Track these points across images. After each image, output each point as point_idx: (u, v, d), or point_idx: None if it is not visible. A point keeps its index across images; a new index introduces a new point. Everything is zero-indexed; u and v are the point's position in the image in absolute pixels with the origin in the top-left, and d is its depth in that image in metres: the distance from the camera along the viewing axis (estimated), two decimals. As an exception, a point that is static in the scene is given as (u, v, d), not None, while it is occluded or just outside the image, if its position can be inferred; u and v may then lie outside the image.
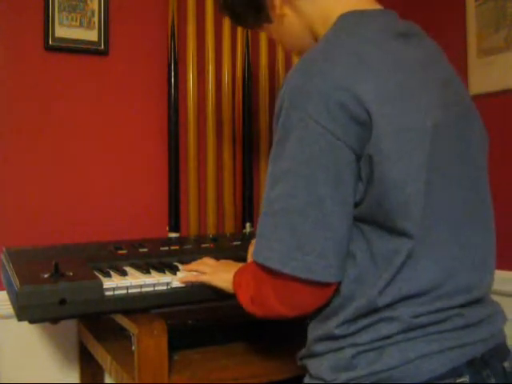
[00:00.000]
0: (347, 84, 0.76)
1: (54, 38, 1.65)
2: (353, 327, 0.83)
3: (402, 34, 0.86)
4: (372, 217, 0.81)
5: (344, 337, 0.83)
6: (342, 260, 0.81)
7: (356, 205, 0.81)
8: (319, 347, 0.87)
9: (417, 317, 0.81)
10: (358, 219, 0.82)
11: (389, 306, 0.81)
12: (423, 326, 0.81)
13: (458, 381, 0.80)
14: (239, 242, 1.54)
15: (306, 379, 0.91)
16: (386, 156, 0.76)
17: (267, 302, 0.86)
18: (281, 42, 1.06)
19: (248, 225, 1.83)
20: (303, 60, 0.81)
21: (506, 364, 0.86)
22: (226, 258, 1.28)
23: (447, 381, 0.79)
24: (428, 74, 0.85)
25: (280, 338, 1.36)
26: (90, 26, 1.69)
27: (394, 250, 0.80)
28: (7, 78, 1.62)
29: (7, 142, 1.62)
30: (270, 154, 0.85)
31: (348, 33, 0.83)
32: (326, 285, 0.81)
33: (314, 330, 0.89)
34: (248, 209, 1.84)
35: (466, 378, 0.80)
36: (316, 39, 0.96)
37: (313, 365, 0.89)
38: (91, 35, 1.70)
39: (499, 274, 1.03)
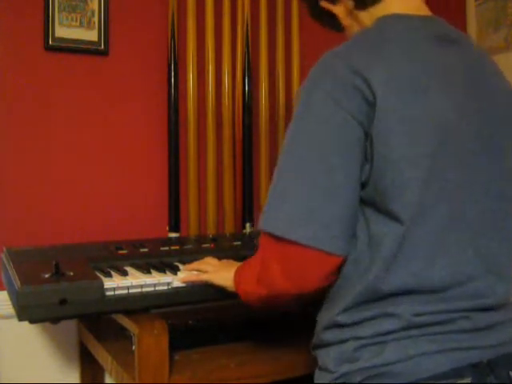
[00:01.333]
0: (361, 69, 0.82)
1: (54, 38, 1.65)
2: (355, 317, 0.84)
3: (439, 37, 0.91)
4: (371, 198, 0.83)
5: (348, 326, 0.85)
6: (348, 234, 0.83)
7: (362, 186, 0.83)
8: (327, 335, 0.89)
9: (418, 315, 0.82)
10: (362, 201, 0.84)
11: (389, 296, 0.82)
12: (425, 325, 0.82)
13: (458, 382, 0.80)
14: (239, 242, 1.54)
15: (316, 372, 0.93)
16: (385, 138, 0.80)
17: (270, 274, 0.86)
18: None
19: (248, 225, 1.83)
20: (326, 53, 0.89)
21: None
22: (226, 257, 1.28)
23: (448, 381, 0.80)
24: (454, 80, 0.87)
25: (281, 338, 1.36)
26: (90, 26, 1.69)
27: (384, 233, 0.82)
28: (7, 78, 1.62)
29: (7, 141, 1.62)
30: (288, 127, 0.88)
31: (374, 30, 0.91)
32: (331, 257, 0.82)
33: (322, 318, 0.92)
34: (248, 209, 1.84)
35: (467, 380, 0.80)
36: None
37: (321, 355, 0.91)
38: (91, 35, 1.70)
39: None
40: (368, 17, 0.98)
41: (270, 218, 0.84)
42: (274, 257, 0.85)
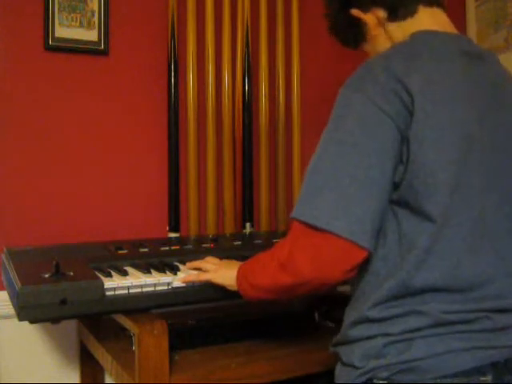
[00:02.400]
0: (400, 76, 0.86)
1: (53, 38, 1.65)
2: (384, 312, 0.88)
3: (466, 53, 0.95)
4: (404, 198, 0.87)
5: (377, 321, 0.88)
6: (377, 230, 0.86)
7: (395, 186, 0.87)
8: (353, 332, 0.92)
9: (446, 313, 0.86)
10: (393, 201, 0.88)
11: (419, 293, 0.86)
12: (451, 324, 0.86)
13: (481, 379, 0.85)
14: (239, 242, 1.54)
15: (338, 367, 0.96)
16: (420, 142, 0.85)
17: (297, 262, 0.88)
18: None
19: (248, 225, 1.83)
20: (370, 59, 0.94)
21: None
22: (226, 258, 1.28)
23: (472, 378, 0.84)
24: (478, 93, 0.92)
25: (281, 338, 1.36)
26: (90, 26, 1.69)
27: (418, 232, 0.86)
28: (7, 78, 1.62)
29: (7, 141, 1.62)
30: (327, 125, 0.91)
31: (411, 42, 0.96)
32: (361, 250, 0.84)
33: (349, 315, 0.94)
34: (248, 209, 1.84)
35: (488, 378, 0.85)
36: None
37: (345, 351, 0.93)
38: (91, 35, 1.70)
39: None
40: (398, 30, 1.02)
41: (305, 208, 0.86)
42: (306, 246, 0.87)
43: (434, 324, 0.86)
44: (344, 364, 0.93)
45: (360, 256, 0.85)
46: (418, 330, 0.86)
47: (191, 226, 1.77)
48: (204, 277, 1.15)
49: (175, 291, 1.15)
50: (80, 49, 1.68)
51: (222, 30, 1.80)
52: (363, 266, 0.89)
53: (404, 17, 1.01)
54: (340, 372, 0.94)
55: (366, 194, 0.84)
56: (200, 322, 1.46)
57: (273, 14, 1.88)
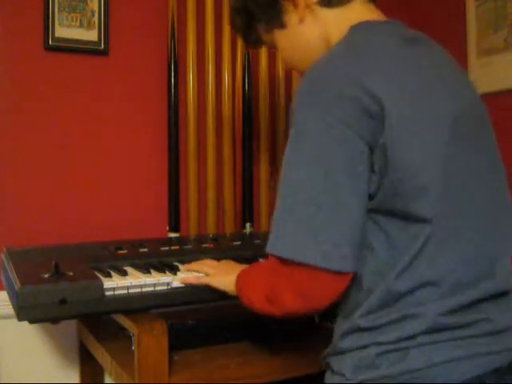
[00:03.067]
0: (359, 79, 0.79)
1: (54, 38, 1.65)
2: (378, 321, 0.82)
3: (410, 39, 0.89)
4: (388, 206, 0.81)
5: (369, 330, 0.83)
6: (357, 250, 0.81)
7: (370, 197, 0.82)
8: (345, 343, 0.86)
9: (442, 315, 0.80)
10: (374, 211, 0.82)
11: (412, 295, 0.81)
12: (449, 329, 0.81)
13: None
14: (239, 242, 1.54)
15: (328, 376, 0.91)
16: (399, 144, 0.79)
17: (282, 297, 0.85)
18: (287, 53, 1.02)
19: (248, 225, 1.83)
20: (319, 60, 0.84)
21: None
22: (226, 258, 1.28)
23: None
24: (439, 75, 0.88)
25: (281, 338, 1.36)
26: (90, 26, 1.69)
27: (413, 236, 0.81)
28: (7, 78, 1.62)
29: (7, 141, 1.62)
30: (285, 149, 0.85)
31: (360, 38, 0.87)
32: (342, 275, 0.81)
33: (340, 326, 0.89)
34: (248, 209, 1.84)
35: None
36: None
37: (336, 361, 0.89)
38: (91, 35, 1.70)
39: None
40: (332, 17, 0.93)
41: (277, 241, 0.82)
42: (284, 280, 0.84)
43: (431, 329, 0.80)
44: (334, 372, 0.88)
45: (344, 280, 0.82)
46: (413, 337, 0.80)
47: (191, 226, 1.77)
48: (203, 281, 1.14)
49: (175, 291, 1.15)
50: (80, 49, 1.68)
51: (222, 29, 1.80)
52: (353, 280, 0.84)
53: (339, 3, 0.91)
54: (329, 380, 0.90)
55: (338, 218, 0.78)
56: (200, 322, 1.46)
57: (273, 14, 1.88)
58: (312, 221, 0.79)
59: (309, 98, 0.81)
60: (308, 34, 0.96)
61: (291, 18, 0.95)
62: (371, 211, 0.82)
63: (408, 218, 0.81)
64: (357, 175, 0.79)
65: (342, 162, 0.78)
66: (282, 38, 0.99)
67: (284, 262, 0.82)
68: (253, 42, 1.08)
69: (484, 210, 0.87)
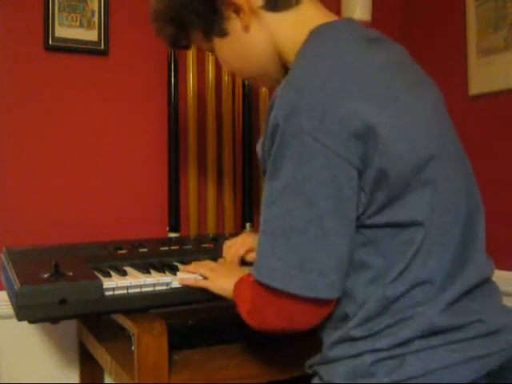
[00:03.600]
0: (342, 98, 0.75)
1: (54, 38, 1.65)
2: (374, 328, 0.81)
3: (372, 39, 0.86)
4: (377, 219, 0.80)
5: (363, 339, 0.81)
6: (343, 276, 0.81)
7: (358, 216, 0.80)
8: (336, 351, 0.84)
9: (438, 313, 0.79)
10: (361, 227, 0.81)
11: (406, 294, 0.80)
12: (443, 332, 0.80)
13: None
14: (239, 242, 1.54)
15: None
16: (397, 159, 0.77)
17: (267, 319, 0.86)
18: (231, 61, 0.96)
19: (248, 225, 1.83)
20: (291, 77, 0.79)
21: None
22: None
23: None
24: (405, 74, 0.87)
25: (280, 338, 1.36)
26: (90, 26, 1.69)
27: (405, 241, 0.80)
28: (7, 78, 1.62)
29: (7, 141, 1.62)
30: (267, 173, 0.82)
31: (328, 45, 0.82)
32: (327, 301, 0.81)
33: (330, 336, 0.87)
34: (248, 209, 1.84)
35: None
36: (284, 61, 0.93)
37: (325, 370, 0.86)
38: (91, 35, 1.70)
39: (499, 274, 1.03)
40: (280, 21, 0.88)
41: (262, 268, 0.81)
42: (268, 304, 0.84)
43: (427, 332, 0.79)
44: (324, 381, 0.86)
45: (329, 306, 0.82)
46: (409, 342, 0.78)
47: (191, 226, 1.77)
48: (202, 284, 1.14)
49: (174, 291, 1.15)
50: (80, 49, 1.68)
51: (221, 30, 1.80)
52: (343, 294, 0.83)
53: (286, 6, 0.86)
54: None
55: (323, 247, 0.77)
56: (199, 322, 1.46)
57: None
58: (296, 250, 0.77)
59: (287, 121, 0.76)
60: (255, 40, 0.90)
61: (234, 25, 0.89)
62: (359, 227, 0.81)
63: (399, 224, 0.80)
64: (343, 200, 0.77)
65: (326, 189, 0.76)
66: (224, 46, 0.93)
67: (269, 288, 0.81)
68: (182, 47, 1.02)
69: (463, 205, 0.87)
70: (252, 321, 0.90)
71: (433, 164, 0.81)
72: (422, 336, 0.79)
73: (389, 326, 0.80)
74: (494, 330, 0.83)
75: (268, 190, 0.81)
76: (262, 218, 0.82)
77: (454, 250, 0.84)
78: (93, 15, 1.69)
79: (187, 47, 1.02)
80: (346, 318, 0.85)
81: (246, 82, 1.83)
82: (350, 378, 0.81)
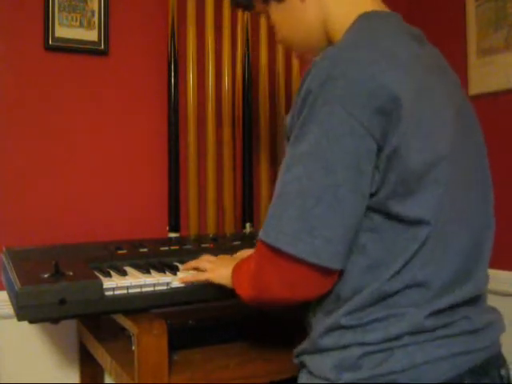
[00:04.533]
0: (377, 73, 0.76)
1: (54, 38, 1.65)
2: (363, 319, 0.81)
3: (417, 37, 0.89)
4: (386, 207, 0.80)
5: (352, 328, 0.82)
6: (349, 248, 0.81)
7: (371, 195, 0.81)
8: (325, 341, 0.85)
9: (426, 317, 0.80)
10: (371, 210, 0.81)
11: (399, 296, 0.81)
12: (432, 330, 0.81)
13: None
14: (239, 242, 1.54)
15: (303, 377, 0.89)
16: (412, 144, 0.77)
17: (268, 285, 0.85)
18: (281, 29, 0.99)
19: (248, 225, 1.83)
20: (332, 48, 0.81)
21: (502, 371, 0.86)
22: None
23: None
24: (442, 76, 0.89)
25: (280, 337, 1.36)
26: (90, 26, 1.69)
27: (409, 238, 0.80)
28: (7, 78, 1.62)
29: (7, 141, 1.62)
30: (291, 136, 0.83)
31: (371, 30, 0.85)
32: (330, 271, 0.81)
33: (320, 323, 0.87)
34: (248, 209, 1.84)
35: None
36: (329, 40, 0.95)
37: (313, 361, 0.87)
38: (91, 35, 1.70)
39: (499, 274, 1.03)
40: (337, 3, 0.91)
41: (270, 229, 0.81)
42: (272, 267, 0.83)
43: (415, 330, 0.80)
44: (312, 374, 0.86)
45: (332, 277, 0.82)
46: (398, 337, 0.80)
47: (191, 226, 1.77)
48: (202, 277, 1.15)
49: (175, 291, 1.15)
50: (80, 49, 1.68)
51: (221, 29, 1.80)
52: (338, 277, 0.84)
53: None
54: (305, 381, 0.88)
55: (335, 215, 0.77)
56: (199, 322, 1.46)
57: (273, 14, 1.88)
58: (308, 214, 0.78)
59: (320, 87, 0.78)
60: (307, 14, 0.93)
61: None
62: (369, 210, 0.82)
63: (406, 220, 0.80)
64: (360, 173, 0.78)
65: (347, 158, 0.77)
66: (278, 11, 0.96)
67: (275, 250, 0.81)
68: (243, 4, 1.04)
69: (475, 214, 0.88)
70: (253, 290, 0.89)
71: (445, 165, 0.81)
72: (411, 333, 0.80)
73: (378, 320, 0.81)
74: (480, 328, 0.84)
75: (290, 153, 0.81)
76: (278, 180, 0.82)
77: (458, 261, 0.84)
78: (93, 15, 1.69)
79: (248, 8, 1.03)
80: (337, 300, 0.85)
81: (247, 82, 1.84)
82: (338, 371, 0.81)
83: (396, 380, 0.78)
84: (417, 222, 0.80)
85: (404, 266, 0.80)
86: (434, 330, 0.81)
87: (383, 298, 0.81)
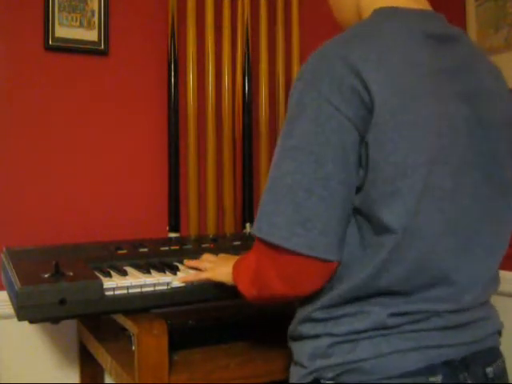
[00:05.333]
0: (359, 70, 0.78)
1: (54, 38, 1.65)
2: (330, 314, 0.85)
3: (433, 36, 0.86)
4: (365, 208, 0.81)
5: (322, 321, 0.86)
6: (342, 240, 0.82)
7: (356, 190, 0.81)
8: (302, 328, 0.89)
9: (393, 316, 0.82)
10: (355, 209, 0.82)
11: (369, 297, 0.83)
12: (398, 326, 0.82)
13: (430, 379, 0.81)
14: (239, 242, 1.54)
15: (291, 367, 0.93)
16: (381, 145, 0.77)
17: (268, 281, 0.86)
18: (334, 14, 1.04)
19: (248, 225, 1.83)
20: (324, 44, 0.84)
21: (488, 369, 0.86)
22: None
23: (419, 378, 0.80)
24: (447, 85, 0.84)
25: (280, 337, 1.36)
26: (90, 26, 1.69)
27: (380, 244, 0.80)
28: (7, 77, 1.62)
29: (7, 141, 1.62)
30: (280, 131, 0.85)
31: (373, 28, 0.85)
32: (327, 263, 0.81)
33: (298, 312, 0.92)
34: (248, 209, 1.84)
35: (438, 378, 0.81)
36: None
37: (296, 349, 0.92)
38: (91, 35, 1.70)
39: (504, 275, 1.02)
40: None
41: (264, 224, 0.82)
42: (269, 263, 0.84)
43: (380, 326, 0.82)
44: (295, 363, 0.92)
45: (329, 268, 0.82)
46: (363, 331, 0.82)
47: (191, 226, 1.77)
48: (203, 276, 1.15)
49: (175, 291, 1.15)
50: (80, 49, 1.68)
51: (222, 30, 1.80)
52: None
53: None
54: (292, 370, 0.93)
55: (326, 206, 0.78)
56: (200, 322, 1.46)
57: (273, 14, 1.88)
58: (300, 208, 0.79)
59: (311, 77, 0.81)
60: (348, 7, 0.98)
61: None
62: (354, 209, 0.83)
63: (377, 225, 0.80)
64: (348, 165, 0.79)
65: (335, 152, 0.78)
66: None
67: (270, 246, 0.82)
68: None
69: (480, 231, 0.86)
70: (254, 288, 0.90)
71: (426, 174, 0.78)
72: (376, 329, 0.82)
73: (347, 315, 0.84)
74: (454, 325, 0.84)
75: (280, 147, 0.83)
76: (269, 175, 0.84)
77: (438, 268, 0.83)
78: (93, 15, 1.69)
79: None
80: (311, 297, 0.87)
81: (247, 82, 1.84)
82: (312, 358, 0.86)
83: (363, 367, 0.81)
84: (385, 230, 0.80)
85: (377, 271, 0.81)
86: (399, 326, 0.82)
87: (352, 299, 0.84)
